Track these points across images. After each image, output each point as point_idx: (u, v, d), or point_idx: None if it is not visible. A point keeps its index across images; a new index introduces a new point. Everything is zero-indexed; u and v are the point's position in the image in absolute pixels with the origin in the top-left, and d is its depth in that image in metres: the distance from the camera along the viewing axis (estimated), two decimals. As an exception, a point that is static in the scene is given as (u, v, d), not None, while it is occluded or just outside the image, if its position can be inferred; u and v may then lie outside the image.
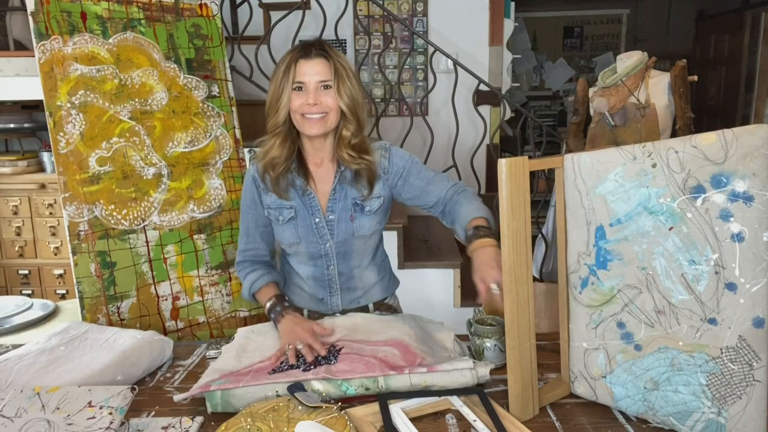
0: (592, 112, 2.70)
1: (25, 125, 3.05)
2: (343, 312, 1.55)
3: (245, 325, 1.78)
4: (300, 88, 1.36)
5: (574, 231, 1.14)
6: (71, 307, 2.09)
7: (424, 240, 3.00)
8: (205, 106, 2.12)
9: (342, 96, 1.36)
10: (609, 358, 1.12)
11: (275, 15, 2.89)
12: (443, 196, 1.46)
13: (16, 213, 3.00)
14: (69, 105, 1.88)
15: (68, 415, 1.03)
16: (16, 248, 3.04)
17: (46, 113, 1.87)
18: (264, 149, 1.44)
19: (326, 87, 1.36)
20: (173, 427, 1.10)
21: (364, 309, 1.59)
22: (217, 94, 2.16)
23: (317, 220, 1.46)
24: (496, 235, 1.26)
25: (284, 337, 1.35)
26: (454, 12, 3.73)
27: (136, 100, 1.98)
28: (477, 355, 1.35)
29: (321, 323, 1.45)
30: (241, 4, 2.85)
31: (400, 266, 2.68)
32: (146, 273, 1.98)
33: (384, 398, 1.15)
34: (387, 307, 1.64)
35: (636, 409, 1.11)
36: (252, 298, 1.53)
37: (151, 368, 1.37)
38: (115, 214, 1.92)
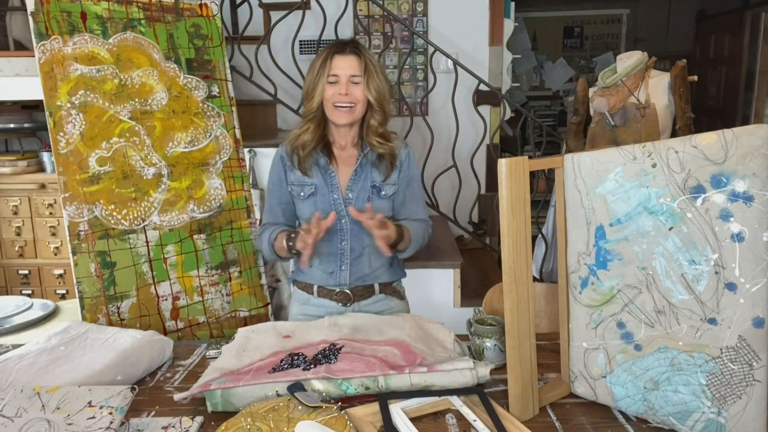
0: (592, 112, 2.69)
1: (25, 125, 3.05)
2: (351, 289, 1.65)
3: (245, 325, 1.78)
4: (334, 81, 1.53)
5: (574, 231, 1.14)
6: (71, 307, 2.09)
7: (424, 240, 3.00)
8: (205, 106, 2.12)
9: (370, 89, 1.53)
10: (609, 358, 1.12)
11: (275, 15, 2.89)
12: (408, 217, 1.64)
13: (16, 213, 3.00)
14: (69, 105, 1.88)
15: (68, 415, 1.03)
16: (16, 248, 3.04)
17: (46, 113, 1.87)
18: (297, 132, 1.61)
19: (355, 82, 1.53)
20: (173, 426, 1.10)
21: (370, 288, 1.67)
22: (217, 94, 2.16)
23: (335, 196, 1.60)
24: (399, 239, 1.52)
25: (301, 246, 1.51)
26: (454, 12, 3.73)
27: (136, 100, 1.98)
28: (477, 355, 1.35)
29: (323, 322, 1.48)
30: (241, 4, 2.84)
31: (400, 266, 2.67)
32: (146, 273, 1.98)
33: (384, 398, 1.15)
34: (393, 290, 1.71)
35: (636, 409, 1.11)
36: (272, 250, 1.62)
37: (151, 368, 1.37)
38: (115, 214, 1.92)
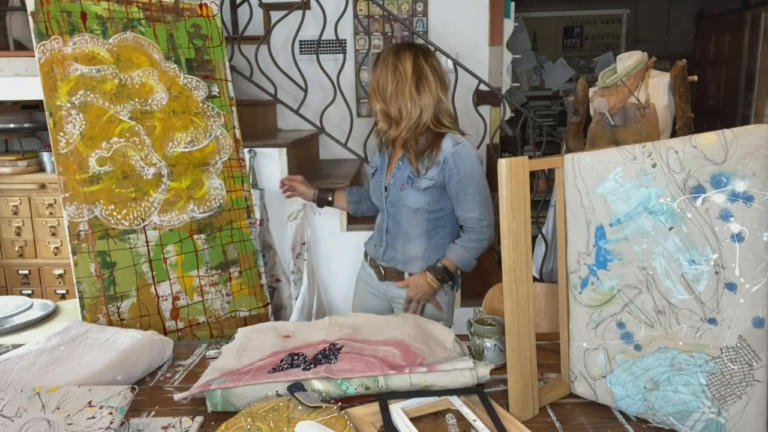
0: (592, 112, 2.69)
1: (25, 125, 3.05)
2: (386, 269, 1.86)
3: (245, 325, 1.78)
4: None
5: (574, 231, 1.14)
6: (71, 307, 2.09)
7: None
8: (205, 106, 2.12)
9: (373, 110, 1.78)
10: (609, 358, 1.12)
11: (275, 15, 2.89)
12: (459, 215, 1.75)
13: (16, 213, 3.00)
14: (69, 105, 1.88)
15: (68, 415, 1.03)
16: (16, 248, 3.04)
17: (46, 113, 1.87)
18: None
19: (372, 104, 1.77)
20: (173, 426, 1.10)
21: (401, 274, 1.83)
22: (217, 94, 2.16)
23: (382, 179, 1.85)
24: (446, 278, 1.74)
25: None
26: (454, 12, 3.72)
27: (136, 100, 1.98)
28: (477, 355, 1.35)
29: (323, 321, 1.48)
30: (241, 4, 2.84)
31: (400, 266, 2.67)
32: (146, 273, 1.98)
33: (384, 398, 1.15)
34: None
35: (636, 409, 1.11)
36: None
37: (151, 368, 1.37)
38: (115, 214, 1.92)
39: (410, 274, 1.80)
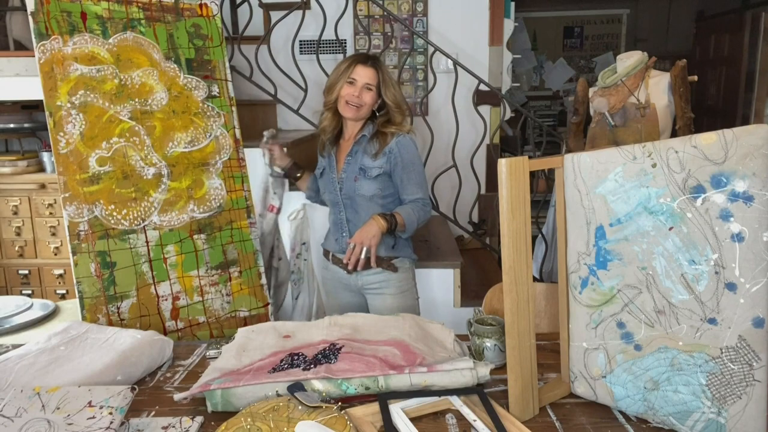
0: (592, 112, 2.70)
1: (25, 125, 3.05)
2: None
3: (245, 325, 1.78)
4: (352, 83, 1.85)
5: (574, 231, 1.14)
6: (71, 307, 2.09)
7: (424, 240, 3.00)
8: (205, 106, 2.12)
9: (388, 96, 1.88)
10: (609, 358, 1.12)
11: (275, 15, 2.89)
12: (405, 198, 1.92)
13: (16, 213, 3.00)
14: (69, 105, 1.88)
15: (68, 415, 1.03)
16: (16, 248, 3.04)
17: (46, 113, 1.87)
18: (321, 118, 1.99)
19: (369, 89, 1.86)
20: (173, 426, 1.10)
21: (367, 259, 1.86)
22: (217, 94, 2.16)
23: (333, 176, 1.98)
24: (392, 223, 1.78)
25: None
26: (454, 12, 3.73)
27: (136, 100, 1.98)
28: (477, 355, 1.35)
29: (323, 321, 1.48)
30: (241, 4, 2.84)
31: (400, 266, 2.67)
32: (146, 273, 1.98)
33: (384, 398, 1.15)
34: (388, 264, 1.94)
35: (636, 409, 1.11)
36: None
37: (151, 368, 1.37)
38: (115, 214, 1.92)
39: (377, 257, 1.84)
